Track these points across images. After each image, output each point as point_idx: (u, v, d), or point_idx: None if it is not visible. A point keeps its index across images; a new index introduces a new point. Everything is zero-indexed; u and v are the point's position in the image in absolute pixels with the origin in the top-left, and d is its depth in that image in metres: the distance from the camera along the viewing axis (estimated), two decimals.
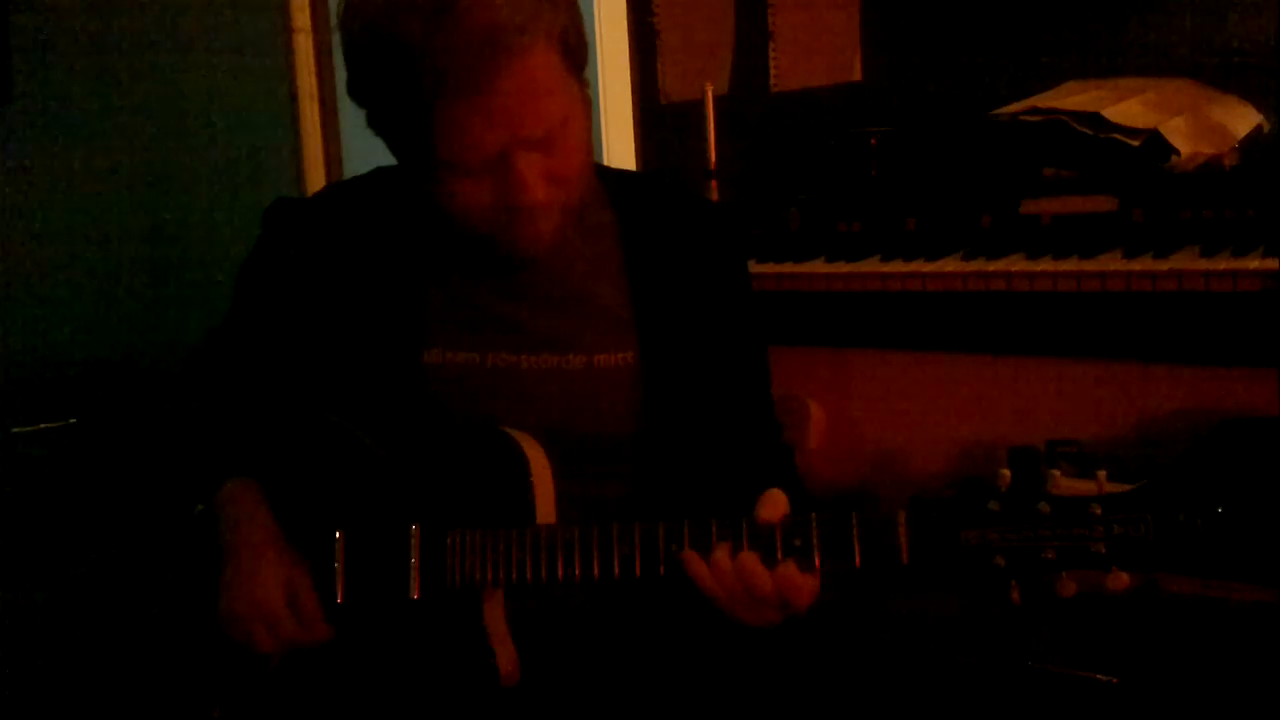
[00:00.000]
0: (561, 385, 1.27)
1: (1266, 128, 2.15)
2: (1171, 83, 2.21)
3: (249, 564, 1.20)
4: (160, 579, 1.30)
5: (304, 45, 2.76)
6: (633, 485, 1.30)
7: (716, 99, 2.63)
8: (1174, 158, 2.05)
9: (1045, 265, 2.00)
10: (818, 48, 2.65)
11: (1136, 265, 1.92)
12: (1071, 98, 2.18)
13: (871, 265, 2.21)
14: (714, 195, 2.57)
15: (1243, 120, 2.13)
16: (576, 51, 1.16)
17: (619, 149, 2.89)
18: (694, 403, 1.30)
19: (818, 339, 2.32)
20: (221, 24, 2.66)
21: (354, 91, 1.18)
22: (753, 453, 1.35)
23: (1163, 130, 2.04)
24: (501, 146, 1.12)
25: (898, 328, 2.22)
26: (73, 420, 2.14)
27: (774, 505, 1.10)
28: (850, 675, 1.88)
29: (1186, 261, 1.89)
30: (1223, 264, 1.84)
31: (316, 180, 2.79)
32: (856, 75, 2.61)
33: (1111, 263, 1.95)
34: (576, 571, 1.13)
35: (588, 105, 1.20)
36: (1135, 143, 2.05)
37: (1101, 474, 1.02)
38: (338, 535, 1.22)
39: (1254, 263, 1.82)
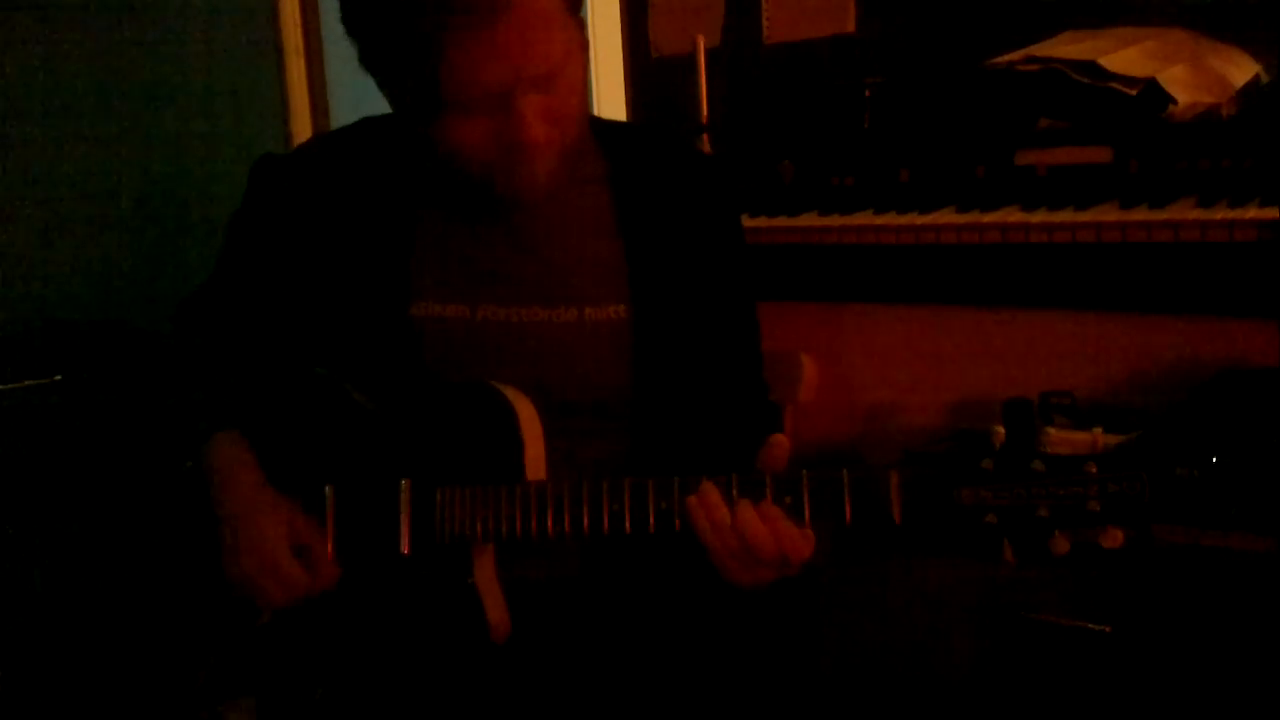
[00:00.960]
0: (552, 339, 1.26)
1: (1265, 78, 2.13)
2: (1170, 32, 2.18)
3: (247, 520, 1.19)
4: (147, 536, 1.29)
5: (290, 2, 2.73)
6: (623, 441, 1.29)
7: (708, 51, 2.60)
8: (1171, 107, 2.03)
9: (1040, 217, 1.99)
10: None
11: (1132, 216, 1.91)
12: (1068, 47, 2.15)
13: (865, 218, 2.20)
14: (706, 149, 2.54)
15: (1241, 70, 2.11)
16: None
17: (610, 103, 2.87)
18: (685, 358, 1.29)
19: (810, 293, 2.31)
20: None
21: (351, 26, 1.15)
22: (740, 410, 1.34)
23: (1160, 79, 2.02)
24: (505, 83, 1.10)
25: (891, 281, 2.21)
26: (58, 377, 2.13)
27: (778, 449, 1.09)
28: (845, 630, 1.89)
29: (1183, 212, 1.88)
30: (1220, 214, 1.83)
31: (303, 136, 2.77)
32: (850, 26, 2.58)
33: (1107, 214, 1.94)
34: (566, 527, 1.13)
35: (585, 47, 1.19)
36: (1132, 92, 2.03)
37: (1097, 430, 1.01)
38: (327, 490, 1.22)
39: (1251, 212, 1.81)
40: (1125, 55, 2.07)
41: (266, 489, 1.22)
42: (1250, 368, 1.91)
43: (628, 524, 1.11)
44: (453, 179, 1.23)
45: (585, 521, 1.12)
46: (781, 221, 2.28)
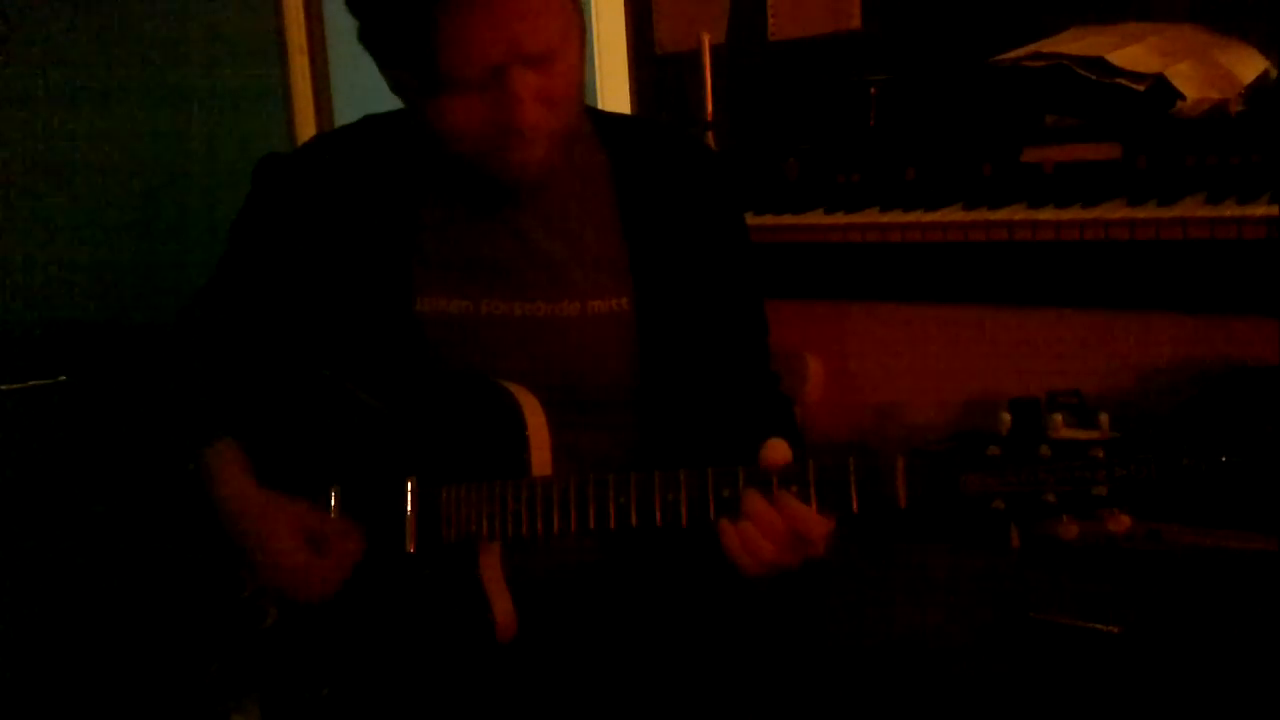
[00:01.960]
0: (556, 333, 1.26)
1: (1273, 74, 2.12)
2: (1177, 28, 2.17)
3: (258, 528, 1.20)
4: (152, 537, 1.29)
5: None
6: (629, 435, 1.29)
7: (713, 48, 2.60)
8: (1179, 103, 2.02)
9: (1048, 214, 1.98)
10: None
11: (1140, 213, 1.90)
12: (1075, 43, 2.14)
13: (871, 216, 2.19)
14: (711, 146, 2.54)
15: (1249, 66, 2.10)
16: None
17: (614, 99, 2.86)
18: (690, 351, 1.28)
19: (816, 291, 2.30)
20: None
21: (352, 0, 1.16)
22: (750, 403, 1.33)
23: (1168, 75, 2.01)
24: (501, 59, 1.10)
25: (898, 279, 2.20)
26: (62, 378, 2.13)
27: (776, 452, 1.08)
28: (851, 627, 1.88)
29: (1191, 209, 1.87)
30: (1228, 211, 1.82)
31: (307, 134, 2.77)
32: (856, 23, 2.58)
33: (1115, 211, 1.93)
34: (572, 524, 1.12)
35: (582, 32, 1.19)
36: (1140, 88, 2.02)
37: (1104, 417, 1.00)
38: (333, 490, 1.21)
39: (1260, 209, 1.80)
40: (1132, 51, 2.07)
41: (265, 497, 1.21)
42: (1260, 366, 1.90)
43: (634, 519, 1.10)
44: (452, 169, 1.23)
45: (591, 517, 1.11)
46: (787, 219, 2.27)
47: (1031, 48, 2.18)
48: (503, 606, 1.18)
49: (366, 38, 1.17)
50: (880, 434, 2.35)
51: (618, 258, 1.28)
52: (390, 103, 1.27)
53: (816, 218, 2.26)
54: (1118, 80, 2.03)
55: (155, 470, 1.30)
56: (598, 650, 1.25)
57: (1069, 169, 2.08)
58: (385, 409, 1.24)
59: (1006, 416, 1.01)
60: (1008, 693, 1.82)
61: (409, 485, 1.18)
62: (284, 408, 1.27)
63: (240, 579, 1.24)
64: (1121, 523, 0.97)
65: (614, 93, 2.87)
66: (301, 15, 2.75)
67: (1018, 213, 2.03)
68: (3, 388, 2.08)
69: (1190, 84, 2.02)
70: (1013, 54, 2.19)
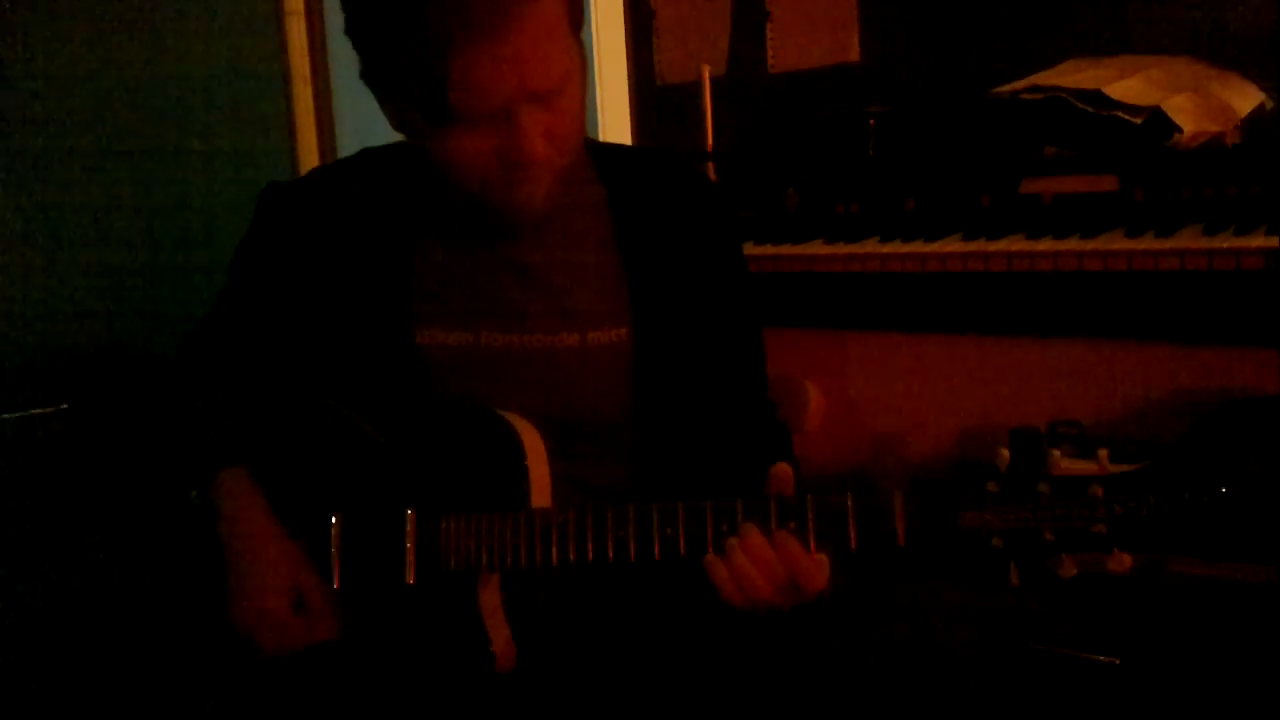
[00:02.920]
0: (555, 365, 1.26)
1: (1269, 106, 2.13)
2: (1174, 60, 2.19)
3: (249, 567, 1.19)
4: (155, 566, 1.29)
5: (296, 28, 2.74)
6: (628, 467, 1.29)
7: (713, 80, 2.62)
8: (1176, 136, 2.03)
9: (1046, 245, 1.99)
10: (815, 28, 2.63)
11: (1138, 244, 1.91)
12: (1073, 75, 2.16)
13: (870, 246, 2.20)
14: (711, 177, 2.55)
15: (1245, 98, 2.11)
16: (577, 9, 1.16)
17: (615, 130, 2.87)
18: (689, 381, 1.28)
19: (816, 321, 2.31)
20: (214, 8, 2.64)
21: (357, 36, 1.15)
22: (748, 433, 1.33)
23: (1165, 108, 2.03)
24: (509, 97, 1.10)
25: (897, 309, 2.21)
26: (65, 406, 2.13)
27: (782, 479, 1.09)
28: (850, 657, 1.87)
29: (1189, 240, 1.88)
30: (1225, 242, 1.83)
31: (310, 163, 2.77)
32: (854, 55, 2.59)
33: (1113, 242, 1.94)
34: (571, 555, 1.12)
35: (584, 68, 1.19)
36: (1137, 120, 2.03)
37: (1103, 453, 1.00)
38: (333, 520, 1.21)
39: (1257, 241, 1.81)
40: (1130, 84, 2.08)
41: (272, 533, 1.21)
42: (1259, 396, 1.90)
43: (633, 551, 1.10)
44: (451, 203, 1.23)
45: (590, 549, 1.11)
46: (786, 249, 2.28)
47: (1029, 80, 2.19)
48: (502, 638, 1.18)
49: (370, 75, 1.17)
50: (879, 463, 2.35)
51: (616, 288, 1.28)
52: (393, 135, 1.27)
53: (816, 248, 2.27)
54: (1115, 113, 2.05)
55: (156, 499, 1.30)
56: (597, 682, 1.25)
57: (1067, 200, 2.09)
58: (385, 439, 1.24)
59: (1005, 452, 1.01)
60: None
61: (409, 516, 1.18)
62: (285, 437, 1.26)
63: None
64: (1122, 562, 0.97)
65: (615, 124, 2.88)
66: (305, 44, 2.77)
67: (1016, 243, 2.04)
68: (4, 416, 2.08)
69: (1187, 116, 2.04)
70: (1011, 86, 2.21)
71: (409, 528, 1.18)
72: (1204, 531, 0.96)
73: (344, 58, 1.19)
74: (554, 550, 1.12)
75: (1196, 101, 2.07)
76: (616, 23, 2.84)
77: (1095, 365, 2.09)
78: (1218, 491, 0.95)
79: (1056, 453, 1.01)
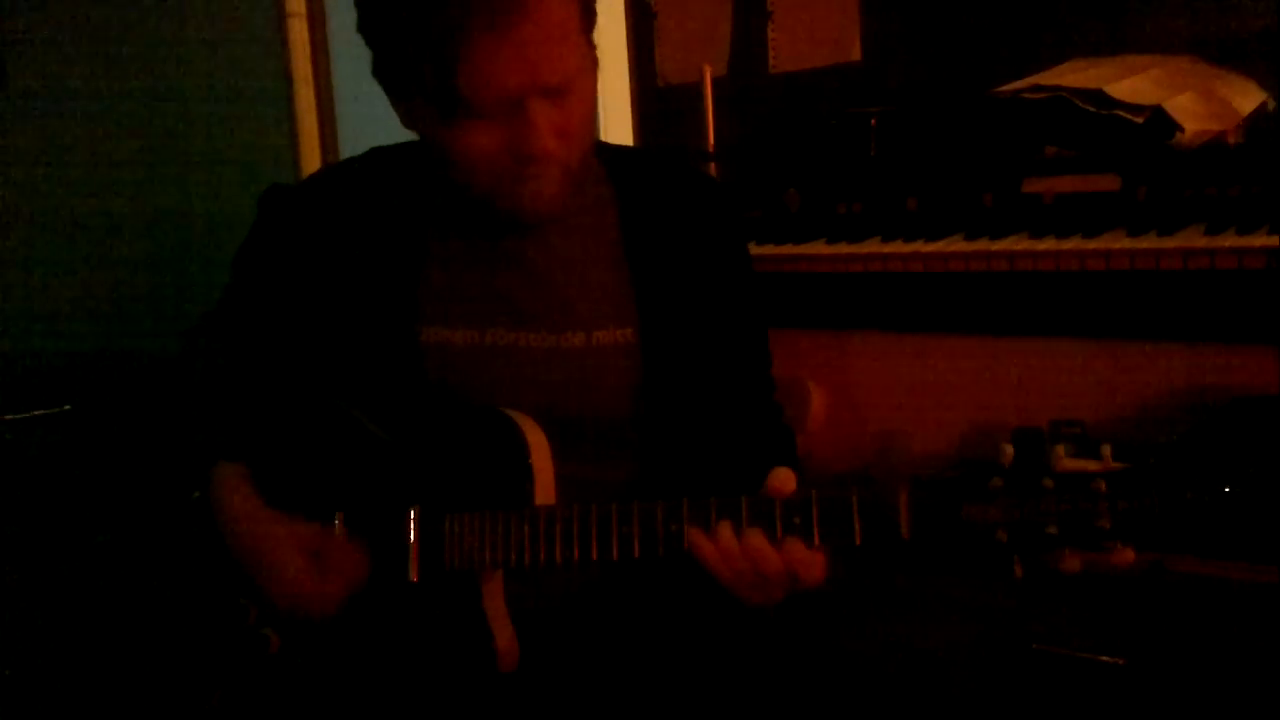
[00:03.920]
0: (560, 364, 1.26)
1: (1271, 105, 2.13)
2: (1175, 60, 2.19)
3: (262, 557, 1.20)
4: (157, 565, 1.29)
5: (298, 30, 2.75)
6: (633, 467, 1.29)
7: (715, 80, 2.62)
8: (1178, 135, 2.03)
9: (1048, 245, 1.99)
10: (817, 28, 2.63)
11: (1140, 244, 1.90)
12: (1074, 75, 2.16)
13: (872, 246, 2.20)
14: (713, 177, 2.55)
15: (1247, 98, 2.11)
16: (589, 8, 1.17)
17: (617, 131, 2.88)
18: (694, 381, 1.28)
19: (818, 321, 2.30)
20: (216, 10, 2.65)
21: (368, 31, 1.16)
22: (753, 434, 1.33)
23: (1167, 107, 2.02)
24: (520, 88, 1.11)
25: (899, 309, 2.21)
26: (67, 407, 2.13)
27: (783, 481, 1.09)
28: (853, 658, 1.87)
29: (1191, 240, 1.87)
30: (1227, 242, 1.83)
31: (313, 166, 2.78)
32: (856, 55, 2.60)
33: (1115, 241, 1.94)
34: (575, 554, 1.12)
35: (595, 67, 1.20)
36: (1139, 120, 2.03)
37: (1106, 449, 1.00)
38: (337, 518, 1.21)
39: (1259, 240, 1.81)
40: (1131, 83, 2.08)
41: (270, 516, 1.21)
42: (1261, 395, 1.90)
43: (637, 549, 1.10)
44: (460, 200, 1.23)
45: (594, 547, 1.11)
46: (788, 249, 2.28)
47: (1031, 79, 2.19)
48: (505, 636, 1.18)
49: (381, 70, 1.17)
50: (881, 463, 2.35)
51: (623, 288, 1.28)
52: (395, 134, 1.28)
53: (818, 248, 2.26)
54: (1117, 112, 2.05)
55: (159, 499, 1.30)
56: (601, 680, 1.24)
57: (1069, 200, 2.09)
58: (390, 438, 1.24)
59: (1009, 448, 1.01)
60: None
61: (412, 514, 1.18)
62: (289, 435, 1.26)
63: (243, 607, 1.23)
64: (1125, 556, 0.97)
65: (616, 124, 2.89)
66: (307, 46, 2.77)
67: (1019, 243, 2.04)
68: (7, 417, 2.09)
69: (1189, 116, 2.03)
70: (1012, 86, 2.21)
71: (412, 526, 1.18)
72: (1207, 530, 0.96)
73: (346, 59, 1.19)
74: (558, 549, 1.12)
75: (1198, 101, 2.07)
76: (618, 24, 2.85)
77: (1097, 365, 2.08)
78: (1221, 490, 0.95)
79: (1060, 449, 1.01)
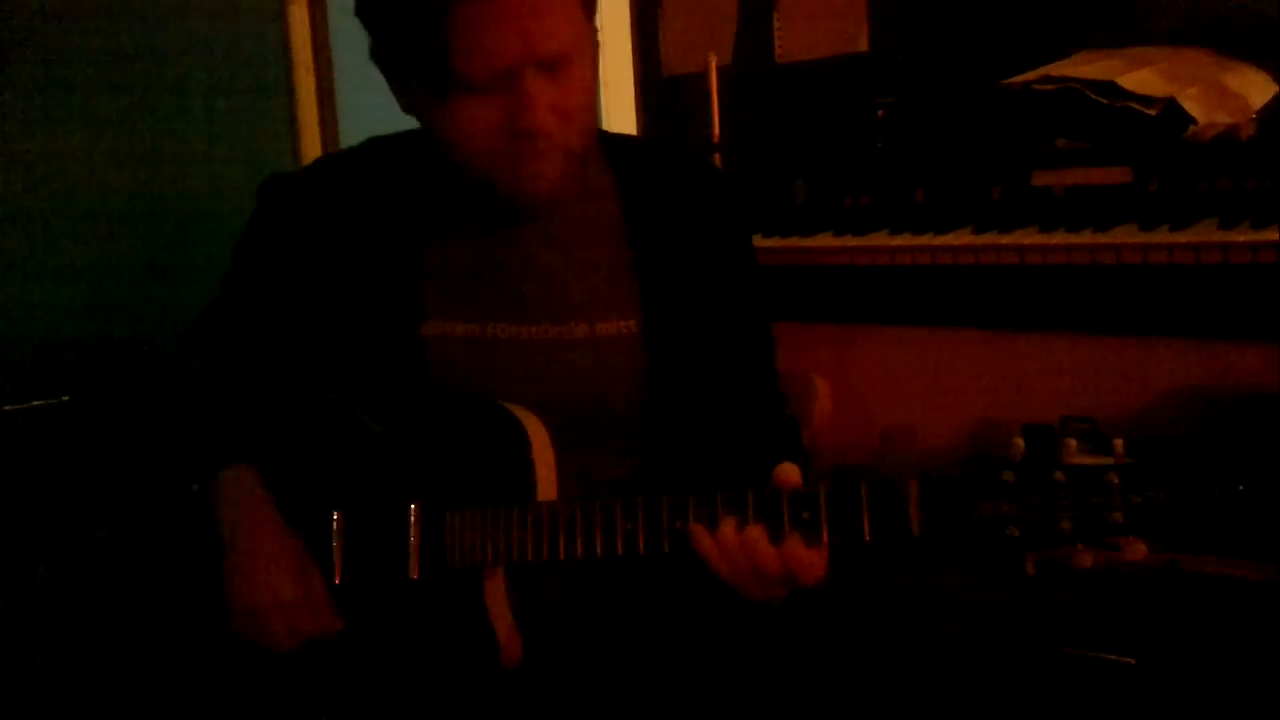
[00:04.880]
0: (563, 356, 1.25)
1: None
2: (1188, 52, 2.17)
3: (261, 559, 1.18)
4: (156, 558, 1.28)
5: (299, 17, 2.74)
6: (636, 460, 1.28)
7: (720, 71, 2.60)
8: (1191, 127, 2.01)
9: (1059, 238, 1.97)
10: (823, 17, 2.62)
11: (1153, 238, 1.89)
12: (1085, 66, 2.14)
13: (880, 239, 2.18)
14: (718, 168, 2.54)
15: (1260, 90, 2.10)
16: None
17: (621, 121, 2.88)
18: (697, 373, 1.27)
19: (825, 314, 2.29)
20: None
21: (364, 12, 1.16)
22: (757, 426, 1.32)
23: (1179, 99, 2.01)
24: (514, 59, 1.10)
25: (907, 303, 2.20)
26: (65, 398, 2.13)
27: (787, 478, 1.07)
28: (860, 656, 1.86)
29: (1204, 233, 1.86)
30: (1241, 236, 1.81)
31: (312, 153, 2.78)
32: (863, 45, 2.58)
33: (1127, 235, 1.92)
34: (579, 549, 1.11)
35: (595, 48, 1.19)
36: (1151, 112, 2.01)
37: (1119, 443, 0.98)
38: (336, 515, 1.20)
39: (1274, 234, 1.80)
40: (1143, 75, 2.06)
41: (280, 532, 1.20)
42: (1275, 391, 1.88)
43: (641, 544, 1.08)
44: (460, 191, 1.22)
45: (598, 542, 1.10)
46: (794, 242, 2.27)
47: (1041, 71, 2.18)
48: (507, 632, 1.17)
49: (378, 51, 1.17)
50: (889, 458, 2.34)
51: (626, 280, 1.27)
52: (395, 123, 1.27)
53: (825, 240, 2.25)
54: (1128, 104, 2.03)
55: (158, 492, 1.29)
56: (604, 676, 1.24)
57: (1080, 193, 2.07)
58: (390, 433, 1.23)
59: (1019, 442, 0.99)
60: None
61: (413, 510, 1.17)
62: (288, 431, 1.25)
63: None
64: (1138, 550, 0.95)
65: (621, 114, 2.88)
66: (308, 33, 2.77)
67: (1029, 236, 2.02)
68: (6, 408, 2.08)
69: (1201, 108, 2.02)
70: (1022, 77, 2.19)
71: (413, 521, 1.17)
72: (1221, 526, 0.94)
73: (347, 45, 1.19)
74: (560, 544, 1.11)
75: (1210, 93, 2.05)
76: (622, 13, 2.84)
77: (1108, 359, 2.07)
78: (1235, 486, 0.93)
79: (1071, 443, 0.99)
